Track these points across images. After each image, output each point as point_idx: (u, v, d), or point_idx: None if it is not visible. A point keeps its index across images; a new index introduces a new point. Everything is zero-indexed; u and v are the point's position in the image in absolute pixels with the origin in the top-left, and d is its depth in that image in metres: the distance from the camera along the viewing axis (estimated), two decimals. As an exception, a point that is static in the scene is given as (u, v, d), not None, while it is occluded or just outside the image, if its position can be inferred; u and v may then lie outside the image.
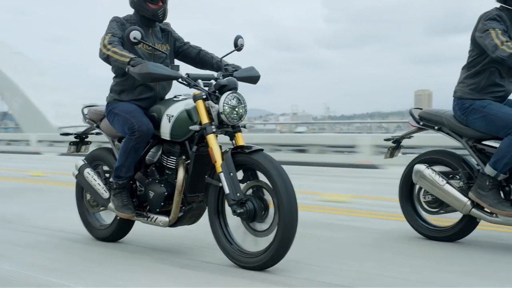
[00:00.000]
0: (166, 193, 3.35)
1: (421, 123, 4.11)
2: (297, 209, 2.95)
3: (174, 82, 3.40)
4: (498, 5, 3.74)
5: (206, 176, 3.25)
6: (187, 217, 3.39)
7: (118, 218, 3.69)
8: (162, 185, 3.38)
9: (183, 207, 3.36)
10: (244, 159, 3.10)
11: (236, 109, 3.15)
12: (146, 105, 3.54)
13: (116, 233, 3.82)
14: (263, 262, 3.02)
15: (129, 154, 3.40)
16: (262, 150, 3.09)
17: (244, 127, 3.30)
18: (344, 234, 4.25)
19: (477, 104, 3.73)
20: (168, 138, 3.37)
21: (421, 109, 4.19)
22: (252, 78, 3.47)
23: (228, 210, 3.15)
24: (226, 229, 3.25)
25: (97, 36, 3.51)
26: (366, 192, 6.89)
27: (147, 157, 3.51)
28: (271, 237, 3.01)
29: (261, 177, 3.09)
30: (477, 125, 3.75)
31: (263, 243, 3.06)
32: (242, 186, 3.10)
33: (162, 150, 3.45)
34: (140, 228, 3.94)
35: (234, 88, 3.20)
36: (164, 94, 3.65)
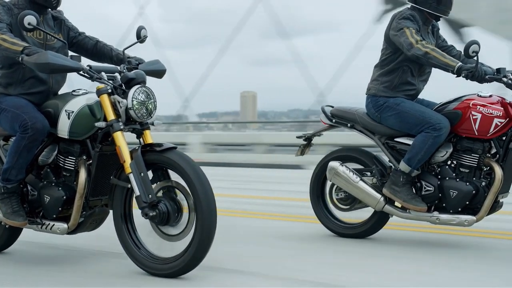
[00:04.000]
0: (64, 197, 3.01)
1: (333, 120, 4.09)
2: (216, 210, 2.78)
3: (69, 74, 3.09)
4: (409, 5, 3.79)
5: (111, 177, 2.97)
6: (89, 222, 3.08)
7: (7, 226, 3.27)
8: (60, 188, 3.03)
9: (84, 212, 3.04)
10: (156, 157, 2.86)
11: (146, 105, 2.89)
12: (38, 100, 3.17)
13: (1, 243, 3.39)
14: (179, 268, 2.81)
15: (21, 155, 3.00)
16: (175, 148, 2.87)
17: (152, 124, 3.04)
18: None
19: (391, 102, 3.75)
20: (66, 137, 3.02)
21: (332, 106, 4.16)
22: (158, 72, 3.23)
23: (135, 213, 2.91)
24: (134, 233, 3.01)
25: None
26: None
27: (40, 157, 3.12)
28: (186, 240, 2.81)
29: (173, 176, 2.87)
30: (391, 123, 3.77)
31: (176, 247, 2.85)
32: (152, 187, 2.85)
33: (58, 149, 3.10)
34: (29, 236, 3.53)
35: (142, 82, 2.93)
36: (58, 88, 3.29)
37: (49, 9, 3.22)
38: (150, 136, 2.99)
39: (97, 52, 3.35)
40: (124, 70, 3.00)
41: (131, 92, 2.86)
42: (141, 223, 2.93)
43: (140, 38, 3.22)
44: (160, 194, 2.87)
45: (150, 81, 3.05)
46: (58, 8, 3.24)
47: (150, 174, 2.90)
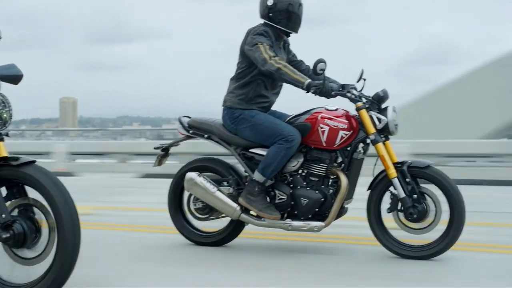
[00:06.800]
0: None
1: (190, 131, 4.13)
2: (80, 227, 2.61)
3: None
4: (262, 21, 3.96)
5: None
6: None
7: None
8: None
9: None
10: (11, 173, 2.62)
11: (0, 114, 2.64)
12: None
13: None
14: None
15: None
16: (34, 161, 2.65)
17: (7, 135, 2.78)
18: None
19: (246, 114, 3.89)
20: None
21: (189, 117, 4.20)
22: (14, 77, 2.93)
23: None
24: None
25: None
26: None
27: None
28: (46, 263, 2.60)
29: (31, 193, 2.65)
30: (246, 134, 3.91)
31: (33, 271, 2.63)
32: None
33: None
34: None
35: None
36: None
37: None
38: (5, 149, 2.72)
39: None
40: None
41: None
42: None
43: None
44: (15, 213, 2.63)
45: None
46: None
47: (4, 191, 2.65)
